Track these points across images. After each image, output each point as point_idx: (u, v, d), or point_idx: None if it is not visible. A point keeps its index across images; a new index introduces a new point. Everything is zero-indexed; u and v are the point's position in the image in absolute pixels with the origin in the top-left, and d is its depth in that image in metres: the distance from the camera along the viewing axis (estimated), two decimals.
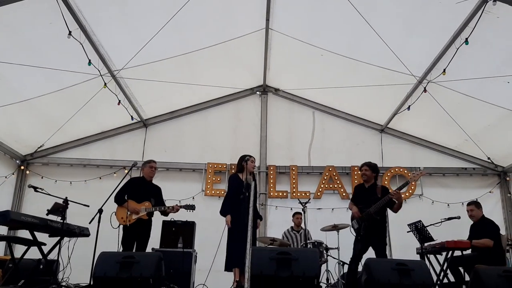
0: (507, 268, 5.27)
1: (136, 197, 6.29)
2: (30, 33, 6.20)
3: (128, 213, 6.15)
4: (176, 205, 6.50)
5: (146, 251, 6.23)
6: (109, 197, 6.11)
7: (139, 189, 6.31)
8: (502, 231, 7.41)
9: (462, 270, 6.20)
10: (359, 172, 6.47)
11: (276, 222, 8.85)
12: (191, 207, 6.51)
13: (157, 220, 6.89)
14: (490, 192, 9.07)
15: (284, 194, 9.22)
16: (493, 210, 8.69)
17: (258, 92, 10.03)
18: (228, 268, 5.68)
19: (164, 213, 6.50)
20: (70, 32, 6.01)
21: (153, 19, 6.72)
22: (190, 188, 9.17)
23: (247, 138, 9.65)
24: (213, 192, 9.18)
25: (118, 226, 6.07)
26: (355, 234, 5.89)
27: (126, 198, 6.19)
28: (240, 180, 5.88)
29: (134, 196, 6.28)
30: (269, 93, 10.04)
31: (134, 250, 6.11)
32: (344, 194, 9.06)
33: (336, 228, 7.01)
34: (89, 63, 6.74)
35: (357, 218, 5.86)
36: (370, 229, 5.71)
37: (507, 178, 9.15)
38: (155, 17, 6.70)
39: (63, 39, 6.06)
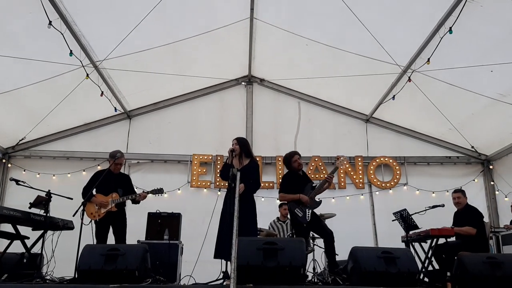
0: (490, 254, 5.34)
1: (103, 190, 6.21)
2: (9, 23, 6.06)
3: (97, 207, 6.11)
4: (143, 191, 6.43)
5: (131, 243, 6.16)
6: (92, 189, 6.04)
7: (106, 182, 6.16)
8: (485, 219, 7.51)
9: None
10: (299, 161, 6.18)
11: (263, 213, 8.72)
12: (159, 191, 6.45)
13: (143, 212, 6.83)
14: (473, 180, 9.20)
15: (271, 184, 9.22)
16: (476, 198, 8.80)
17: (243, 83, 9.98)
18: (216, 255, 5.64)
19: (135, 201, 6.39)
20: (50, 22, 5.89)
21: (135, 8, 6.60)
22: (176, 180, 9.10)
23: (232, 129, 9.56)
24: (198, 183, 9.15)
25: (90, 222, 5.97)
26: (299, 223, 5.87)
27: (93, 192, 6.10)
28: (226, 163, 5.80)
29: (101, 190, 6.20)
30: (254, 83, 9.99)
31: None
32: None
33: (322, 218, 7.01)
34: (71, 53, 6.61)
35: (302, 206, 5.87)
36: (314, 214, 5.90)
37: (490, 167, 9.29)
38: (138, 6, 6.58)
39: (43, 29, 5.93)
